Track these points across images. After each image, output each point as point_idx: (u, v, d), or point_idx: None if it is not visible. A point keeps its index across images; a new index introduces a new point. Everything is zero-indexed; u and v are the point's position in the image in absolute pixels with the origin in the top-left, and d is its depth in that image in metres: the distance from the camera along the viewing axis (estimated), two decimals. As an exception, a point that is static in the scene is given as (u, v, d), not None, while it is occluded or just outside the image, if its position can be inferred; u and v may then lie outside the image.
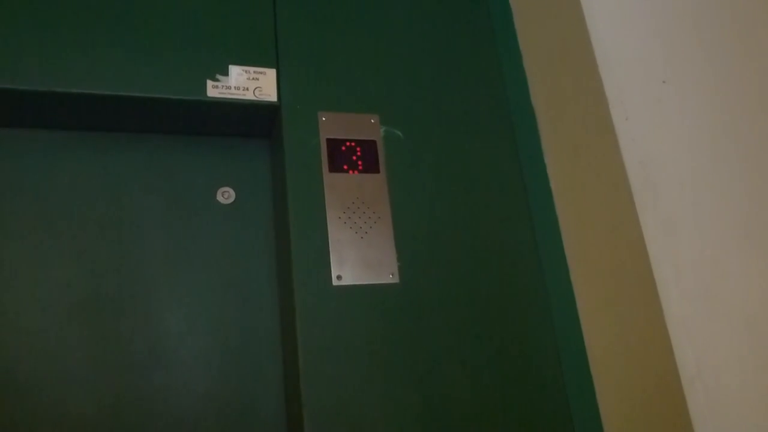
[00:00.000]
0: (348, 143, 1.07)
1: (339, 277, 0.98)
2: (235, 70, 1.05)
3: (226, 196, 1.13)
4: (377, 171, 1.06)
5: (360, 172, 1.05)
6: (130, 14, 1.03)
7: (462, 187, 1.11)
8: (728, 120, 1.00)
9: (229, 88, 1.03)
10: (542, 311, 1.07)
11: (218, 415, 1.00)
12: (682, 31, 1.05)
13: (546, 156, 1.16)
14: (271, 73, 1.07)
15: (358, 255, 1.00)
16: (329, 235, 0.99)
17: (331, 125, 1.07)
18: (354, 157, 1.06)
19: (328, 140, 1.06)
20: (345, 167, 1.05)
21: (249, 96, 1.04)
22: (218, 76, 1.03)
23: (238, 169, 1.15)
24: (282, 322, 1.07)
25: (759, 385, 0.84)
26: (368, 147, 1.07)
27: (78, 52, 0.98)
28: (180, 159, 1.13)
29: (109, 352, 0.99)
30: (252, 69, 1.06)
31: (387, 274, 1.00)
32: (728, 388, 0.83)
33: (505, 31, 1.26)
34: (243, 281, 1.09)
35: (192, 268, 1.07)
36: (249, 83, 1.04)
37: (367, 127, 1.09)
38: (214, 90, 1.02)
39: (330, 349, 0.93)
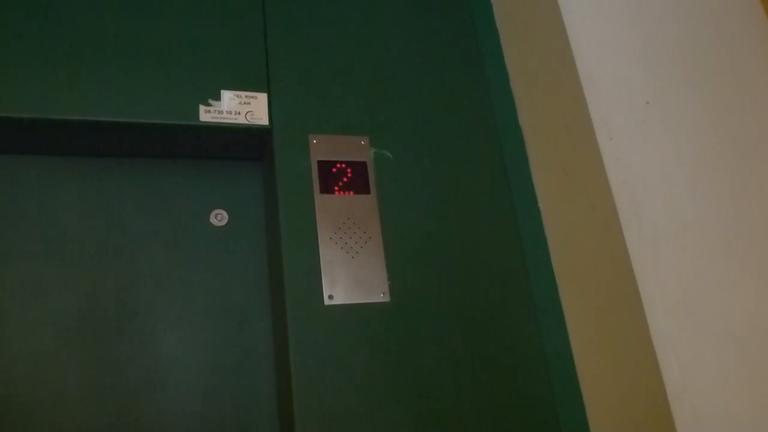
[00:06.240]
0: (339, 165, 1.08)
1: (331, 297, 0.99)
2: (227, 95, 1.07)
3: (219, 218, 1.14)
4: (368, 192, 1.08)
5: (351, 193, 1.07)
6: (124, 42, 1.05)
7: (451, 207, 1.12)
8: (710, 139, 1.02)
9: (221, 112, 1.05)
10: (531, 329, 1.08)
11: (211, 436, 1.01)
12: (665, 52, 1.08)
13: (534, 176, 1.17)
14: (262, 98, 1.09)
15: (350, 274, 1.01)
16: (321, 256, 1.01)
17: (322, 147, 1.09)
18: (345, 179, 1.07)
19: (319, 162, 1.07)
20: (336, 188, 1.06)
21: (241, 120, 1.06)
22: (210, 101, 1.05)
23: (230, 192, 1.17)
24: (275, 342, 1.08)
25: (744, 401, 0.85)
26: (359, 168, 1.09)
27: (72, 79, 0.99)
28: (173, 183, 1.14)
29: (105, 375, 0.99)
30: (243, 93, 1.08)
31: (378, 293, 1.01)
32: (714, 404, 0.83)
33: (493, 54, 1.29)
34: (237, 302, 1.10)
35: (186, 290, 1.08)
36: (241, 107, 1.06)
37: (358, 148, 1.11)
38: (206, 114, 1.04)
39: (322, 367, 0.94)
